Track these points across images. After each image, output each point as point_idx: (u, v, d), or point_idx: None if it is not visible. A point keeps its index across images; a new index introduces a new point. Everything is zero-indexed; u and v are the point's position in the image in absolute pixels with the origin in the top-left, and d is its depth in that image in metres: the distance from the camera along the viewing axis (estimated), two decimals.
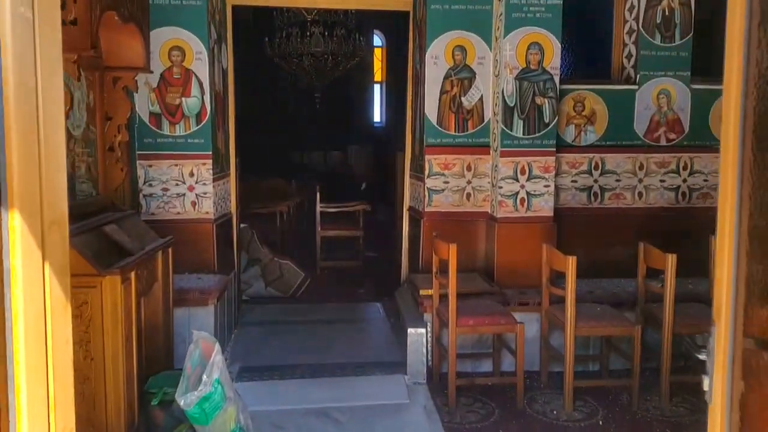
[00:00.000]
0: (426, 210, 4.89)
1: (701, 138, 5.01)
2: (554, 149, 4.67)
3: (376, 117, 15.34)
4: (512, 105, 4.59)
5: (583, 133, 4.92)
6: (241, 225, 6.28)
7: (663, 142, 5.00)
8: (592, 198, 5.00)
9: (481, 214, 4.92)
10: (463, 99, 4.83)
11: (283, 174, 12.07)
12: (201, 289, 4.46)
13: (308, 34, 9.94)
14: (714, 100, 4.98)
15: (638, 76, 4.96)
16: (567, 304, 3.91)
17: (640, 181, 5.02)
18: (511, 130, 4.62)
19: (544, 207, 4.69)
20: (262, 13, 10.75)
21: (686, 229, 4.92)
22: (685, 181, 5.04)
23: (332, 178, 12.56)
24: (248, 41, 13.36)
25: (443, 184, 4.88)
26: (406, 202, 5.54)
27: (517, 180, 4.66)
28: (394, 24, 12.86)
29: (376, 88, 15.28)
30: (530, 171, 4.66)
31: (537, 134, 4.63)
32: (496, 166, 4.73)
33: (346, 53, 10.25)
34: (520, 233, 4.68)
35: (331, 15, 9.75)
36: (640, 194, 5.02)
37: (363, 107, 14.46)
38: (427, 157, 4.86)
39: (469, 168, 4.87)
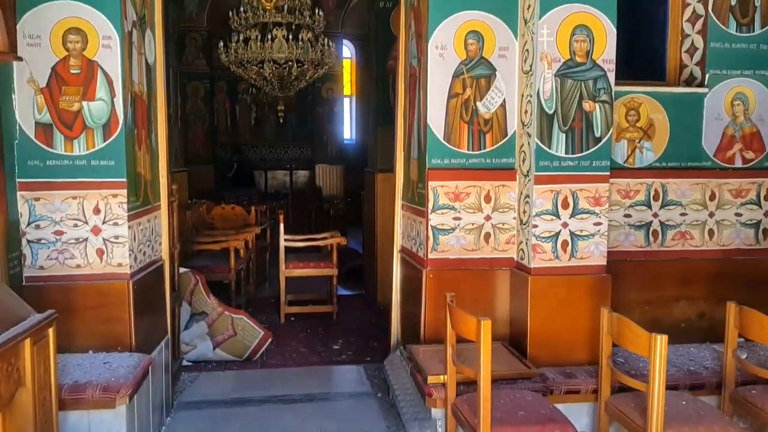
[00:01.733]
0: (430, 256, 3.49)
1: None
2: (608, 173, 3.33)
3: (346, 134, 13.93)
4: (551, 112, 3.24)
5: (638, 151, 3.61)
6: (182, 270, 4.77)
7: (738, 164, 3.72)
8: (651, 238, 3.68)
9: (504, 261, 3.53)
10: (479, 105, 3.47)
11: (241, 197, 10.53)
12: (106, 382, 2.94)
13: (269, 38, 8.51)
14: None
15: (707, 77, 3.67)
16: (652, 404, 2.55)
17: (711, 215, 3.71)
18: (550, 147, 3.26)
19: (595, 253, 3.34)
20: (215, 13, 9.30)
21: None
22: (767, 215, 3.77)
23: (299, 200, 11.08)
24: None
25: (453, 220, 3.49)
26: (398, 241, 4.13)
27: (558, 216, 3.30)
28: (367, 29, 11.57)
29: (346, 102, 13.90)
30: (575, 203, 3.31)
31: (585, 152, 3.29)
32: (527, 196, 3.36)
33: (313, 61, 8.84)
34: (562, 289, 3.31)
35: (296, 16, 8.34)
36: (711, 232, 3.72)
37: (332, 123, 13.04)
38: (430, 184, 3.46)
39: (488, 199, 3.50)
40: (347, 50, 13.73)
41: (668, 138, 3.63)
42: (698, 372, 3.30)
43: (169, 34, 7.71)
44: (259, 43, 8.45)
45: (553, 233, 3.30)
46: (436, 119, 3.45)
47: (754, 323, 2.96)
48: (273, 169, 13.39)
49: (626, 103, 3.60)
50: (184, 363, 4.75)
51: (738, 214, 3.71)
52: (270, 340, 4.88)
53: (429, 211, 3.47)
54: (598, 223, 3.34)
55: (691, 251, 3.68)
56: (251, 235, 6.61)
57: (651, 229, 3.66)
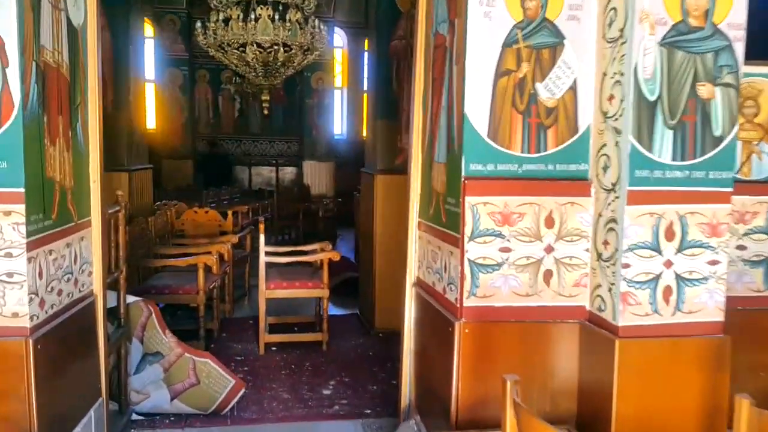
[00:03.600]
0: (466, 303, 2.39)
1: None
2: (731, 189, 2.25)
3: (337, 129, 12.80)
4: (654, 98, 2.16)
5: (755, 156, 2.53)
6: (131, 299, 3.65)
7: None
8: None
9: (570, 311, 2.44)
10: (539, 87, 2.37)
11: (222, 196, 9.37)
12: None
13: (253, 18, 7.36)
14: None
15: None
16: None
17: None
18: (651, 151, 2.18)
19: (709, 304, 2.26)
20: None
21: None
22: None
23: (286, 199, 9.93)
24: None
25: (500, 253, 2.39)
26: (412, 271, 3.04)
27: (659, 251, 2.22)
28: (363, 14, 10.45)
29: (337, 94, 12.77)
30: (684, 232, 2.23)
31: (699, 158, 2.21)
32: (611, 221, 2.28)
33: (302, 45, 7.70)
34: (664, 358, 2.24)
35: None
36: None
37: (322, 116, 11.88)
38: (468, 199, 2.36)
39: (549, 222, 2.40)
40: (339, 39, 12.59)
41: None
42: None
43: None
44: (241, 24, 7.31)
45: (651, 276, 2.22)
46: (476, 107, 2.35)
47: None
48: (258, 164, 12.25)
49: (741, 90, 2.52)
50: (134, 417, 3.63)
51: None
52: (243, 390, 3.76)
53: (466, 239, 2.37)
54: (715, 262, 2.26)
55: None
56: (226, 246, 5.47)
57: None
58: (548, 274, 2.41)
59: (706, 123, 2.20)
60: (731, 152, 2.23)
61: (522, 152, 2.38)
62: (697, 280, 2.25)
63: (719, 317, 2.28)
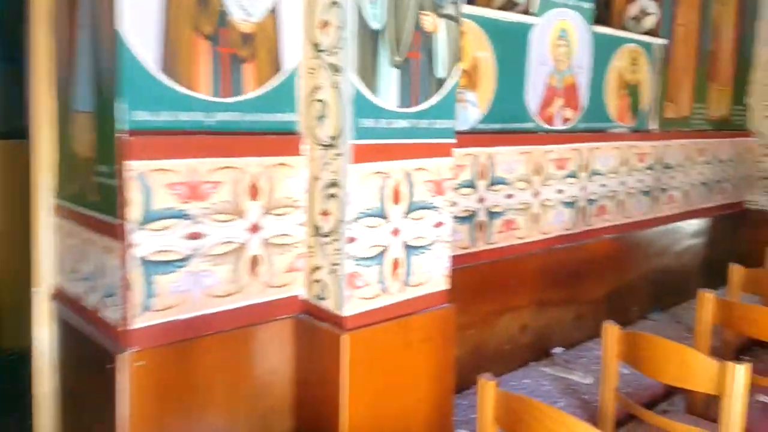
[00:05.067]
0: (137, 324, 1.60)
1: (596, 117, 2.95)
2: (454, 140, 1.95)
3: None
4: (378, 27, 1.68)
5: (459, 106, 2.31)
6: None
7: (558, 125, 2.76)
8: (477, 233, 2.47)
9: (281, 305, 1.86)
10: (229, 2, 1.67)
11: None
12: None
13: None
14: (613, 55, 2.97)
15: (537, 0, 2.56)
16: None
17: (536, 194, 2.69)
18: (377, 95, 1.71)
19: (434, 273, 1.96)
20: None
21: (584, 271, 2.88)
22: (584, 189, 2.93)
23: None
24: None
25: (187, 241, 1.66)
26: (41, 276, 2.04)
27: (386, 217, 1.80)
28: None
29: None
30: (411, 193, 1.85)
31: (424, 105, 1.84)
32: (332, 185, 1.75)
33: None
34: (398, 343, 1.86)
35: None
36: (535, 217, 2.70)
37: None
38: (132, 166, 1.55)
39: (254, 191, 1.76)
40: None
41: (495, 89, 2.44)
42: None
43: None
44: None
45: (380, 250, 1.79)
46: (139, 27, 1.53)
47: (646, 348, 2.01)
48: None
49: None
50: None
51: (559, 191, 2.78)
52: None
53: (131, 226, 1.56)
54: (440, 224, 1.95)
55: (516, 246, 2.62)
56: None
57: (477, 220, 2.45)
58: (255, 262, 1.78)
59: (430, 62, 1.83)
60: (453, 98, 1.93)
61: (213, 96, 1.66)
62: (423, 246, 1.91)
63: (445, 285, 2.00)
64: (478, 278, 2.46)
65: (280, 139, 1.79)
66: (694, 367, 1.87)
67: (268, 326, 1.85)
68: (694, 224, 3.71)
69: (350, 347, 1.75)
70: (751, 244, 4.15)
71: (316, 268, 1.85)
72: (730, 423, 1.75)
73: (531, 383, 2.53)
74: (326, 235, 1.80)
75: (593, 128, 2.89)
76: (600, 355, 2.83)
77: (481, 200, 2.43)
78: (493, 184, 2.46)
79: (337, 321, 1.79)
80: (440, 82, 1.87)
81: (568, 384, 2.54)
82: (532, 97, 2.58)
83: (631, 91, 3.10)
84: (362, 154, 1.71)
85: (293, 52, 1.78)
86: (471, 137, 2.33)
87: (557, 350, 2.86)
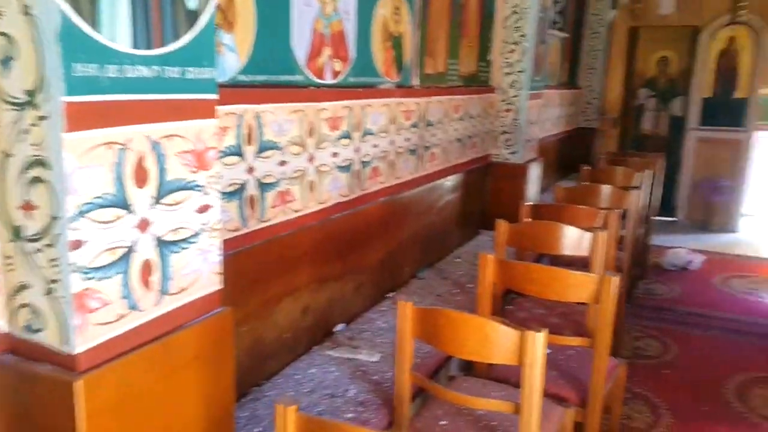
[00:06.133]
0: None
1: (365, 70, 2.66)
2: (216, 96, 1.47)
3: None
4: None
5: (215, 54, 1.80)
6: None
7: (328, 79, 2.40)
8: (248, 211, 2.01)
9: None
10: None
11: None
12: None
13: None
14: (377, 0, 2.68)
15: None
16: None
17: (311, 159, 2.31)
18: (98, 29, 1.15)
19: (203, 271, 1.50)
20: None
21: (357, 239, 2.67)
22: (357, 151, 2.63)
23: None
24: None
25: None
26: None
27: (128, 207, 1.27)
28: None
29: None
30: (162, 170, 1.34)
31: (171, 47, 1.32)
32: (36, 164, 1.16)
33: None
34: (157, 373, 1.37)
35: None
36: (311, 186, 2.33)
37: None
38: None
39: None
40: None
41: (255, 30, 1.97)
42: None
43: None
44: None
45: (121, 253, 1.27)
46: None
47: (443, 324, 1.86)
48: None
49: None
50: None
51: (334, 154, 2.45)
52: None
53: None
54: (206, 207, 1.48)
55: (293, 220, 2.23)
56: None
57: (246, 195, 1.99)
58: None
59: None
60: (211, 37, 1.44)
61: None
62: (184, 240, 1.43)
63: (217, 284, 1.56)
64: (252, 264, 2.04)
65: None
66: (494, 340, 1.75)
67: None
68: (451, 180, 3.76)
69: (86, 396, 1.21)
70: (494, 194, 4.45)
71: (22, 288, 1.25)
72: (534, 389, 1.68)
73: (317, 372, 2.23)
74: (34, 240, 1.21)
75: (363, 83, 2.62)
76: (383, 327, 2.70)
77: (250, 170, 1.99)
78: (262, 149, 2.02)
79: (63, 361, 1.23)
80: (193, 15, 1.37)
81: (356, 366, 2.30)
82: (299, 43, 2.18)
83: (395, 43, 2.90)
84: (82, 117, 1.15)
85: None
86: (232, 91, 1.86)
87: (339, 327, 2.61)
